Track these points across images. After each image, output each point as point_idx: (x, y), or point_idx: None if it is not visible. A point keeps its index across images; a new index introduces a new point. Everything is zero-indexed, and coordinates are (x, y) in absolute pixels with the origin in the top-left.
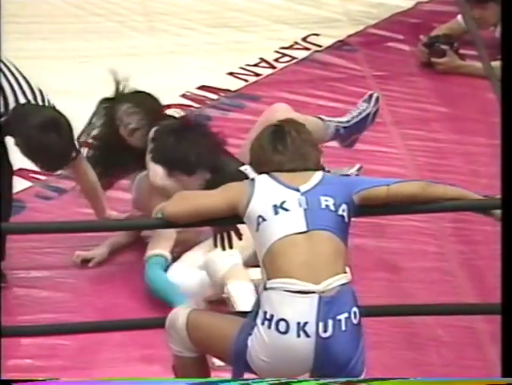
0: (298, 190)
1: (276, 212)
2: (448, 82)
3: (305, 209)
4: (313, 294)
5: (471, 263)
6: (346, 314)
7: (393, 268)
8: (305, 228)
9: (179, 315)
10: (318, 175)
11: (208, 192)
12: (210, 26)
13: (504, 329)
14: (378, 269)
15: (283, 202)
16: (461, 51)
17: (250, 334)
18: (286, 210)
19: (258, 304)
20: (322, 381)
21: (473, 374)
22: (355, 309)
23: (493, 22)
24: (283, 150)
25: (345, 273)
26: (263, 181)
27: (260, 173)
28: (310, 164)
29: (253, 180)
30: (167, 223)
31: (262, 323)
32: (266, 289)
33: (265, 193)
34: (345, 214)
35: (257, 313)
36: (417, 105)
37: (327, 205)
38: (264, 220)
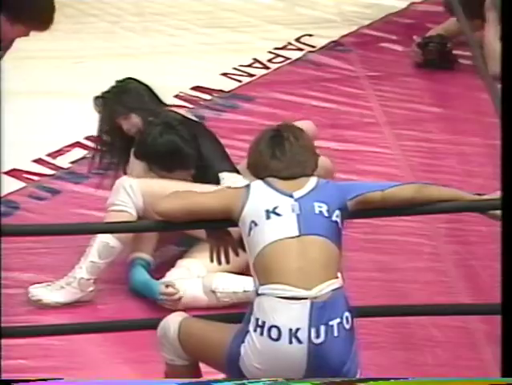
0: (291, 196)
1: (268, 217)
2: (442, 82)
3: (297, 215)
4: (305, 300)
5: (466, 263)
6: (338, 320)
7: (388, 268)
8: (297, 233)
9: (170, 324)
10: (313, 181)
11: (203, 192)
12: (204, 26)
13: (504, 329)
14: (373, 270)
15: (276, 207)
16: (455, 52)
17: (243, 342)
18: (278, 215)
19: (250, 310)
20: (318, 381)
21: (468, 375)
22: (347, 314)
23: None
24: (281, 156)
25: (337, 278)
26: (258, 187)
27: (257, 178)
28: (307, 170)
29: (248, 186)
30: (163, 225)
31: (255, 330)
32: (258, 294)
33: (258, 199)
34: (339, 220)
35: (249, 319)
36: (411, 105)
37: (320, 211)
38: (256, 224)
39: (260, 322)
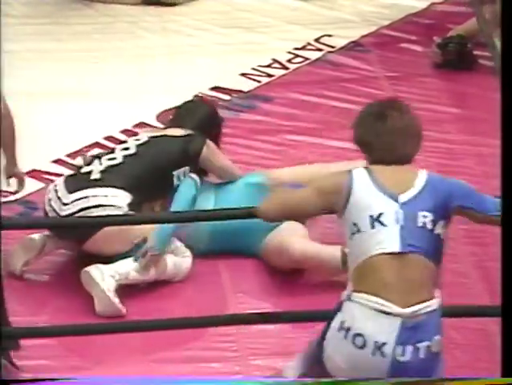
0: (396, 200)
1: (372, 226)
2: (460, 83)
3: (401, 226)
4: (396, 317)
5: (484, 265)
6: (427, 342)
7: None
8: (398, 249)
9: None
10: (422, 179)
11: (302, 191)
12: (223, 26)
13: (504, 329)
14: None
15: (380, 214)
16: (476, 52)
17: (324, 339)
18: (383, 225)
19: (338, 308)
20: (327, 380)
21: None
22: (437, 337)
23: None
24: (384, 134)
25: (434, 298)
26: (361, 180)
27: (363, 152)
28: (408, 150)
29: (350, 174)
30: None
31: (339, 330)
32: (350, 300)
33: (362, 197)
34: (441, 232)
35: (335, 316)
36: (429, 106)
37: (424, 223)
38: (359, 231)
39: (345, 326)
